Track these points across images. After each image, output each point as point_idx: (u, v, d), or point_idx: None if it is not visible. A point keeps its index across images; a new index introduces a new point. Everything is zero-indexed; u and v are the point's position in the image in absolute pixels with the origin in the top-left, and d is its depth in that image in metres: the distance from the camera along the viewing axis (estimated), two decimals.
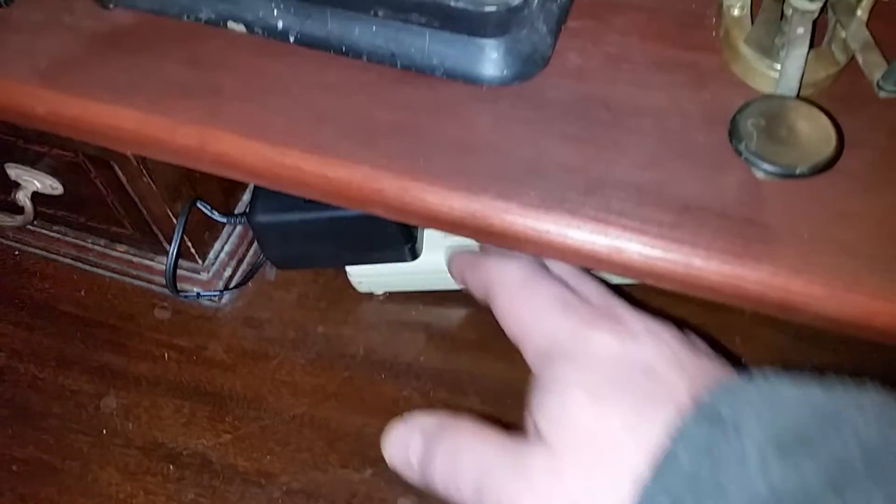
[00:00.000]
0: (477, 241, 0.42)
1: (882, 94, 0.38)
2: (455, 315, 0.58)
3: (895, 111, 0.40)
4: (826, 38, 0.41)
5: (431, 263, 0.55)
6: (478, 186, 0.38)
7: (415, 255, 0.53)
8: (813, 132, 0.34)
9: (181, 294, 0.58)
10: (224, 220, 0.56)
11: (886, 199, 0.37)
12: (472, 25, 0.38)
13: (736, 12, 0.41)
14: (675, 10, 0.44)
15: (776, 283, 0.35)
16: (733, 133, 0.34)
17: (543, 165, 0.39)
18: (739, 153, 0.34)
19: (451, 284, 0.58)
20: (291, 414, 0.55)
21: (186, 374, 0.59)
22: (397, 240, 0.51)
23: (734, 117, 0.34)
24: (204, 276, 0.59)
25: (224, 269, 0.59)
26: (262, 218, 0.50)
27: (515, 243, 0.39)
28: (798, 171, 0.32)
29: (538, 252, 0.39)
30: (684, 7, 0.44)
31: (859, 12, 0.40)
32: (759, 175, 0.36)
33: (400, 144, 0.39)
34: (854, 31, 0.39)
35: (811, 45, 0.40)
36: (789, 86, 0.36)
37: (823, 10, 0.41)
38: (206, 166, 0.43)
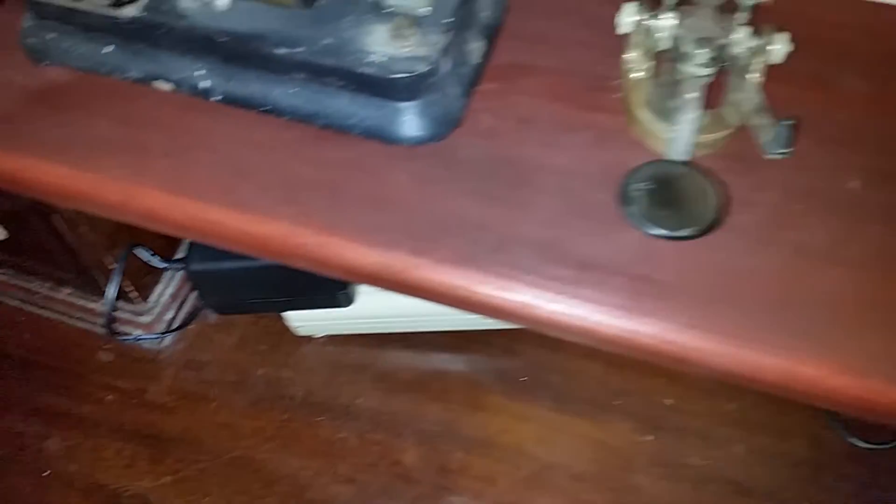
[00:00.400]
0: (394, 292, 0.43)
1: (768, 157, 0.40)
2: (393, 357, 0.60)
3: (786, 170, 0.42)
4: (724, 100, 0.43)
5: (368, 307, 0.56)
6: (393, 242, 0.40)
7: (349, 301, 0.54)
8: (697, 196, 0.36)
9: (120, 338, 0.59)
10: (163, 265, 0.57)
11: (776, 256, 0.39)
12: (384, 89, 0.40)
13: (636, 76, 0.43)
14: (583, 72, 0.46)
15: (669, 337, 0.37)
16: (622, 197, 0.36)
17: (455, 223, 0.40)
18: (627, 216, 0.35)
19: (389, 327, 0.59)
20: (230, 456, 0.56)
21: (128, 416, 0.60)
22: (330, 287, 0.53)
23: (623, 182, 0.36)
24: (146, 318, 0.60)
25: (166, 312, 0.60)
26: (197, 266, 0.51)
27: (429, 296, 0.41)
28: (680, 235, 0.34)
29: (450, 304, 0.41)
30: (591, 69, 0.46)
31: (753, 75, 0.43)
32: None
33: (320, 201, 0.41)
34: (746, 94, 0.42)
35: (711, 107, 0.42)
36: (680, 149, 0.38)
37: (722, 72, 0.44)
38: (133, 220, 0.44)
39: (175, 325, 0.62)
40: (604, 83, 0.46)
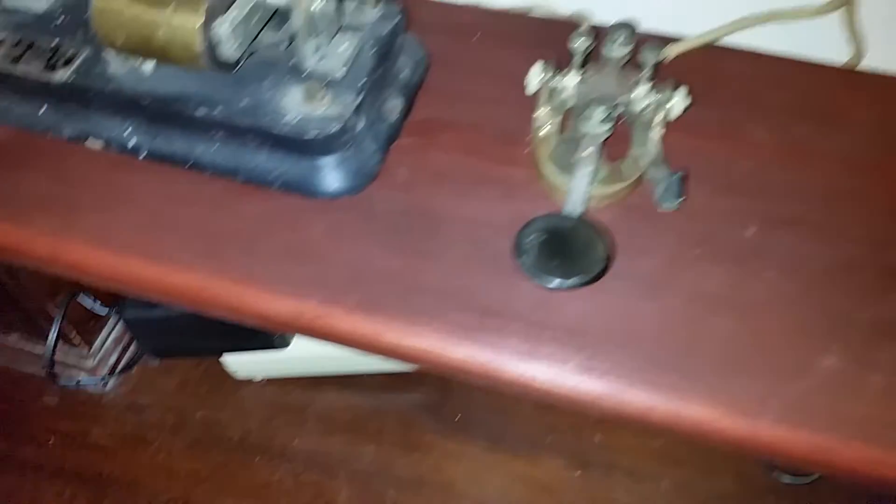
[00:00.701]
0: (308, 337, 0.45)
1: (662, 209, 0.42)
2: (331, 399, 0.61)
3: (685, 218, 0.44)
4: (627, 154, 0.46)
5: (305, 350, 0.58)
6: (305, 292, 0.42)
7: (284, 343, 0.56)
8: (586, 247, 0.38)
9: (62, 382, 0.60)
10: (106, 311, 0.59)
11: (669, 301, 0.41)
12: (299, 147, 0.43)
13: (544, 131, 0.46)
14: (497, 127, 0.48)
15: (563, 381, 0.39)
16: (516, 248, 0.38)
17: (367, 273, 0.42)
18: (520, 266, 0.38)
19: (327, 369, 0.60)
20: (166, 498, 0.57)
21: (70, 458, 0.60)
22: (263, 330, 0.54)
23: (518, 233, 0.39)
24: (90, 362, 0.61)
25: (110, 356, 0.62)
26: (132, 314, 0.52)
27: (340, 342, 0.42)
28: (568, 284, 0.37)
29: (361, 350, 0.42)
30: (505, 124, 0.48)
31: (653, 130, 0.45)
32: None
33: (237, 253, 0.43)
34: (645, 148, 0.44)
35: (614, 159, 0.45)
36: (575, 202, 0.41)
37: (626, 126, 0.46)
38: (63, 273, 0.46)
39: (119, 369, 0.63)
40: (517, 138, 0.48)
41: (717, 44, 0.55)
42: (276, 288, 0.42)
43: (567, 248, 0.38)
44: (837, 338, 0.40)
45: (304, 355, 0.58)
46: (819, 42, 0.55)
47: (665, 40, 0.54)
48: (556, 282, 0.37)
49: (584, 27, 0.53)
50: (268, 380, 0.62)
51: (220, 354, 0.58)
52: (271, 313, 0.42)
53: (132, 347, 0.65)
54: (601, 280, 0.41)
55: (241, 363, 0.59)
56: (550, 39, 0.51)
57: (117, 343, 0.63)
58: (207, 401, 0.61)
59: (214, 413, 0.61)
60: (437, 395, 0.62)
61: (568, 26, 0.57)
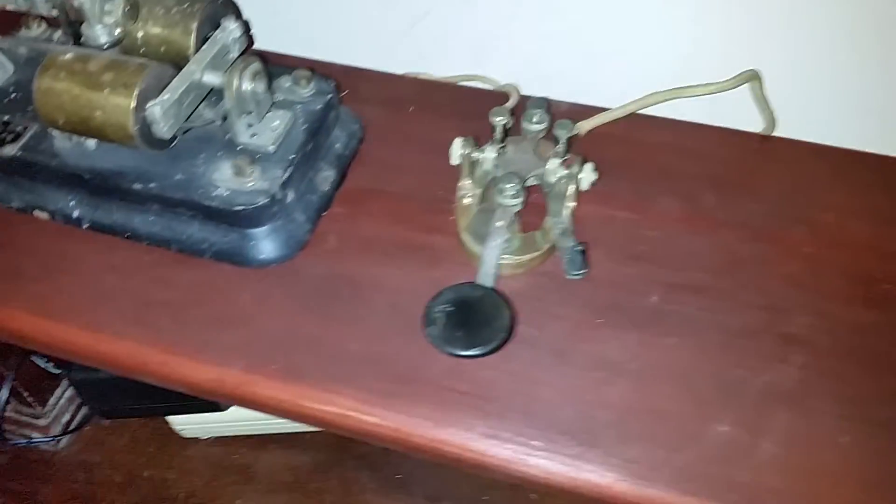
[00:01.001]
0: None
1: (569, 277, 0.44)
2: (274, 458, 0.62)
3: (592, 286, 0.46)
4: (542, 224, 0.48)
5: (249, 409, 0.59)
6: (228, 360, 0.44)
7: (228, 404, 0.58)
8: (491, 317, 0.40)
9: (12, 442, 0.62)
10: (59, 371, 0.61)
11: (571, 367, 0.43)
12: (228, 219, 0.45)
13: (466, 201, 0.49)
14: (425, 196, 0.51)
15: (470, 446, 0.41)
16: (425, 318, 0.40)
17: (290, 340, 0.44)
18: (427, 336, 0.40)
19: (271, 428, 0.62)
20: None
21: None
22: None
23: (428, 304, 0.41)
24: (43, 421, 0.62)
25: (63, 415, 0.63)
26: (78, 375, 0.54)
27: (261, 409, 0.44)
28: (471, 354, 0.39)
29: (281, 416, 0.44)
30: (435, 194, 0.51)
31: (565, 202, 0.48)
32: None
33: (167, 321, 0.45)
34: (559, 218, 0.46)
35: (528, 229, 0.47)
36: (486, 272, 0.43)
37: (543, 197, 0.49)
38: (8, 339, 0.48)
39: (71, 428, 0.64)
40: (444, 207, 0.51)
41: (638, 112, 0.57)
42: (200, 356, 0.44)
43: (473, 318, 0.40)
44: (731, 405, 0.41)
45: (249, 415, 0.59)
46: (738, 111, 0.57)
47: (593, 110, 0.57)
48: (460, 352, 0.39)
49: (508, 103, 0.57)
50: (214, 439, 0.64)
51: (166, 415, 0.60)
52: (195, 380, 0.44)
53: (84, 407, 0.66)
54: (509, 348, 0.43)
55: (188, 423, 0.61)
56: (483, 111, 0.53)
57: (70, 402, 0.65)
58: (155, 459, 0.62)
59: (161, 472, 0.62)
60: (380, 452, 0.63)
61: (501, 98, 0.60)
